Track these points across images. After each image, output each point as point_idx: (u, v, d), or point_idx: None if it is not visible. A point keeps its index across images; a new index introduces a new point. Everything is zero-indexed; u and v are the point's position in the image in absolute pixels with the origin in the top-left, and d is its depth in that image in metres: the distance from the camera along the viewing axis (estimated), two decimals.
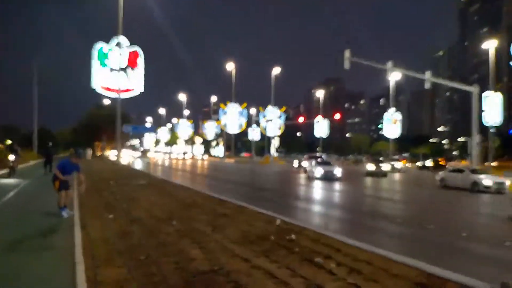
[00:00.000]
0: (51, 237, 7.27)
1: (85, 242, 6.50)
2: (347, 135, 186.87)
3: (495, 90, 49.22)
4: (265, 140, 73.00)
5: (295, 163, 40.56)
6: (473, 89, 30.28)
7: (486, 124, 45.21)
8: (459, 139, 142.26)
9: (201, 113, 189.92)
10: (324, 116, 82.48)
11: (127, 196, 12.94)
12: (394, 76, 73.27)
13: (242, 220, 8.63)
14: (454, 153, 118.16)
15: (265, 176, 30.88)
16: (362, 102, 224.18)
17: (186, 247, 6.18)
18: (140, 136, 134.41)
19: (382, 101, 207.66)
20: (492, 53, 39.63)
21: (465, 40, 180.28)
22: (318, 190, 19.66)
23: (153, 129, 29.21)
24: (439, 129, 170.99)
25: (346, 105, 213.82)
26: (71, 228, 7.71)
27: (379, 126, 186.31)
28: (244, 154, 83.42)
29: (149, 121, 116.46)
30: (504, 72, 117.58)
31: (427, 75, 30.33)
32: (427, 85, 30.15)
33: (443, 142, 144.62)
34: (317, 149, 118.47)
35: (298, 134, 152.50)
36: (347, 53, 26.72)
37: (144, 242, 6.59)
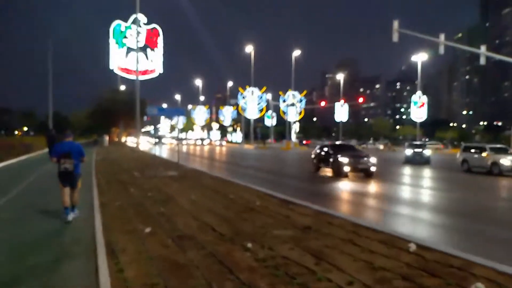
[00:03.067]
0: (61, 273, 4.58)
1: None
2: (365, 120, 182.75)
3: None
4: (286, 125, 69.84)
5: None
6: None
7: None
8: (481, 123, 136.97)
9: (214, 99, 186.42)
10: (340, 100, 79.21)
11: (159, 192, 10.29)
12: (420, 57, 69.29)
13: (343, 238, 5.82)
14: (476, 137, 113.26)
15: (300, 163, 28.04)
16: (377, 86, 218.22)
17: None
18: (155, 123, 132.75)
19: (398, 85, 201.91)
20: None
21: (486, 21, 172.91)
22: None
23: (183, 111, 26.19)
24: (464, 113, 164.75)
25: (361, 89, 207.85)
26: (92, 254, 5.07)
27: (402, 110, 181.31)
28: (269, 141, 79.64)
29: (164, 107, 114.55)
30: None
31: (483, 49, 26.81)
32: (482, 61, 26.59)
33: (463, 126, 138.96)
34: (333, 134, 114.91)
35: (314, 119, 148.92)
36: (395, 24, 23.49)
37: None
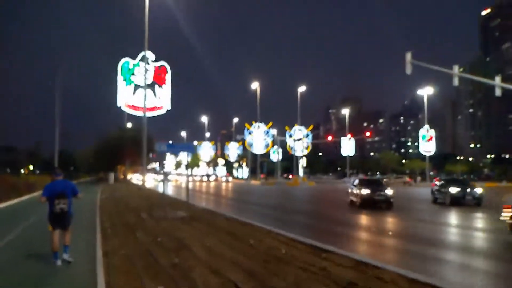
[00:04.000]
0: None
1: None
2: (371, 154, 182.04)
3: None
4: (293, 160, 69.01)
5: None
6: None
7: None
8: (488, 156, 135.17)
9: (220, 135, 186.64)
10: (344, 135, 79.93)
11: (171, 238, 9.26)
12: (426, 91, 69.52)
13: None
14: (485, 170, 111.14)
15: (315, 200, 26.84)
16: (381, 120, 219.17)
17: None
18: (161, 159, 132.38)
19: (402, 119, 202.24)
20: None
21: (487, 55, 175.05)
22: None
23: (191, 147, 25.24)
24: (471, 146, 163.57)
25: (365, 123, 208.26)
26: None
27: (408, 143, 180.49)
28: (262, 176, 79.48)
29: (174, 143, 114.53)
30: None
31: (497, 80, 26.28)
32: (498, 92, 25.97)
33: (470, 159, 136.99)
34: (338, 168, 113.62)
35: (320, 154, 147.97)
36: (408, 56, 23.10)
37: None
